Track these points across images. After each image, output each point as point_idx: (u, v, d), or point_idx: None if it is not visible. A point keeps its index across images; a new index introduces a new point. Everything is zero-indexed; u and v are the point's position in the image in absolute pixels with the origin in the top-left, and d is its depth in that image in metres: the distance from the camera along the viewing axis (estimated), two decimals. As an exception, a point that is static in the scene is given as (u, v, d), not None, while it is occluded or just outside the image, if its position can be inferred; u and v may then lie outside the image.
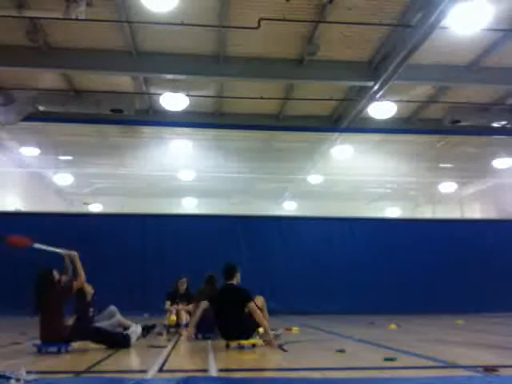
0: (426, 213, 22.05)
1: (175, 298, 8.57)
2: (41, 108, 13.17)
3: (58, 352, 5.33)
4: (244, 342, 5.70)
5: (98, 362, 4.71)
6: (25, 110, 13.07)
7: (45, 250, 5.71)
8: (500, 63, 11.71)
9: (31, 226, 13.79)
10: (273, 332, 6.24)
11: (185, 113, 13.59)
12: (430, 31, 9.24)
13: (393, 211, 23.07)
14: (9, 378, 3.40)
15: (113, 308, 6.69)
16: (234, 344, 5.72)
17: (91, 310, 5.87)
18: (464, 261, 14.35)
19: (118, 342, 5.88)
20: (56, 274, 5.69)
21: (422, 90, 13.36)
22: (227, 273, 6.10)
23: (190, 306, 8.10)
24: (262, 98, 13.04)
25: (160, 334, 7.66)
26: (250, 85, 12.70)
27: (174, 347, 6.03)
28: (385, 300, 13.43)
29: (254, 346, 5.76)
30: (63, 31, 10.40)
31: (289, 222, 15.66)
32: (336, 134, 15.55)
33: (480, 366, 4.13)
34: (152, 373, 4.07)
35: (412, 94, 13.38)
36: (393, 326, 9.15)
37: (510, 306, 13.18)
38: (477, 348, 6.02)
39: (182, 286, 8.68)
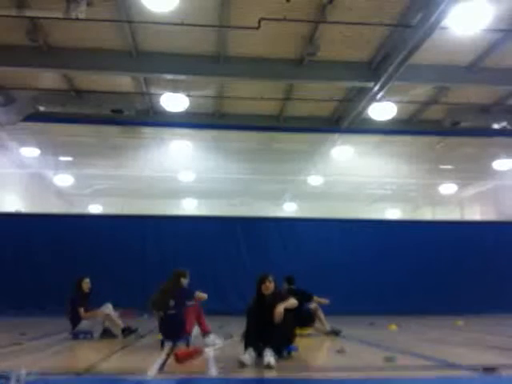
0: (426, 214, 22.05)
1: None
2: (41, 108, 13.16)
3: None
4: (301, 332, 7.10)
5: (98, 362, 4.70)
6: (25, 110, 13.07)
7: None
8: (500, 64, 11.71)
9: (31, 227, 13.91)
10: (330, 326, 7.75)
11: (185, 113, 13.60)
12: (430, 31, 9.23)
13: (393, 213, 23.06)
14: (9, 378, 3.39)
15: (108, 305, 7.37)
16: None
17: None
18: (464, 262, 14.34)
19: None
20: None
21: (422, 91, 13.36)
22: (288, 280, 8.20)
23: None
24: (262, 99, 13.03)
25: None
26: (251, 85, 12.70)
27: (173, 347, 6.02)
28: (385, 301, 13.41)
29: (309, 334, 7.40)
30: (63, 31, 10.40)
31: (289, 223, 15.63)
32: (336, 135, 15.55)
33: (480, 366, 4.12)
34: (152, 373, 4.06)
35: (412, 94, 13.35)
36: (393, 327, 9.14)
37: (510, 306, 13.18)
38: (477, 348, 6.01)
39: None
